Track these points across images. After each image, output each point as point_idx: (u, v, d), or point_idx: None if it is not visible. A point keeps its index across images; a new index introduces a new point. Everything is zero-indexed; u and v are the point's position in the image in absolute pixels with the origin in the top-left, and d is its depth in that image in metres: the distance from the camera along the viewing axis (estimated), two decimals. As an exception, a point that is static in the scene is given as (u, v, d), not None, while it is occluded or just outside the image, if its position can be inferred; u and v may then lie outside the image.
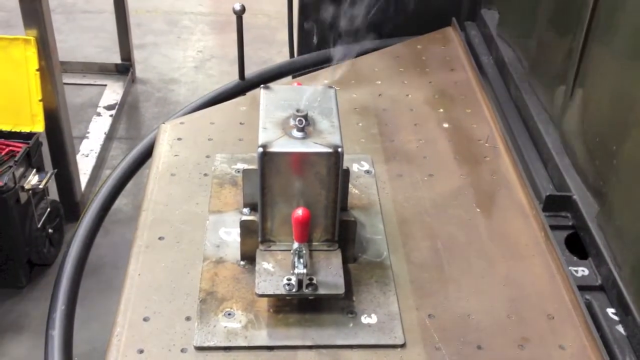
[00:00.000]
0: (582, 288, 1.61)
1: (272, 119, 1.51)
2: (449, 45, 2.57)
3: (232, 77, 2.58)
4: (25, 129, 3.16)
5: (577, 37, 1.90)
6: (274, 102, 1.56)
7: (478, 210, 1.82)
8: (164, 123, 2.13)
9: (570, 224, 1.83)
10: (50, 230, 3.28)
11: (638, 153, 1.58)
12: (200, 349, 1.43)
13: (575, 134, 1.90)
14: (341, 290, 1.46)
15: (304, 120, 1.46)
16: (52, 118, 3.26)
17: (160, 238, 1.69)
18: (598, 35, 1.80)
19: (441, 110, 2.21)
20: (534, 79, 2.25)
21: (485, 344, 1.47)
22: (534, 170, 2.00)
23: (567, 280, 1.60)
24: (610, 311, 1.59)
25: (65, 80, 3.55)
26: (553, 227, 1.76)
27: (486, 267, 1.66)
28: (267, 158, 1.44)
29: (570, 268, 1.66)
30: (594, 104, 1.82)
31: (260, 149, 1.43)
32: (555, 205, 1.85)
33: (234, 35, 2.30)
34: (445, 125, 2.15)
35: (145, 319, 1.49)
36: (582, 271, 1.69)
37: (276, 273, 1.48)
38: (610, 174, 1.69)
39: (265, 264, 1.50)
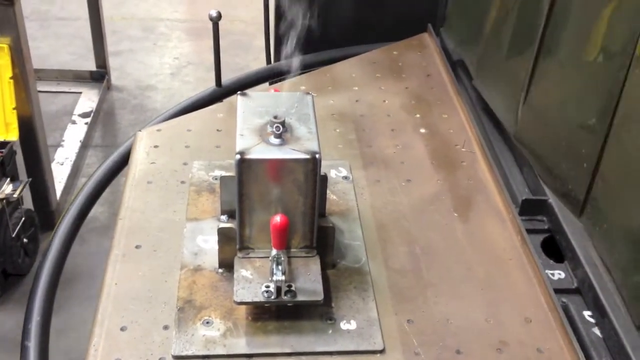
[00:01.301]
0: (559, 291, 1.63)
1: (250, 126, 1.50)
2: (425, 51, 2.58)
3: (208, 84, 2.58)
4: (-1, 137, 3.12)
5: (530, 46, 1.91)
6: (251, 109, 1.56)
7: (455, 215, 1.83)
8: (140, 130, 2.12)
9: (546, 227, 1.85)
10: (25, 240, 3.24)
11: (624, 157, 1.59)
12: (178, 357, 1.42)
13: (533, 140, 1.91)
14: (320, 297, 1.46)
15: (281, 127, 1.46)
16: (27, 126, 3.22)
17: (137, 246, 1.68)
18: (549, 42, 1.82)
19: (418, 115, 2.23)
20: (480, 85, 2.26)
21: (464, 349, 1.48)
22: (510, 174, 2.02)
23: (543, 283, 1.61)
24: (587, 314, 1.60)
25: (40, 88, 3.52)
26: (529, 231, 1.78)
27: (464, 271, 1.67)
28: (244, 165, 1.44)
29: (546, 271, 1.68)
30: (552, 111, 1.83)
31: (238, 156, 1.43)
32: (531, 209, 1.87)
33: (210, 42, 2.29)
34: (422, 130, 2.16)
35: (123, 329, 1.48)
36: (559, 274, 1.71)
37: (254, 280, 1.48)
38: (582, 177, 1.70)
39: (243, 272, 1.50)
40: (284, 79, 2.55)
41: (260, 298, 1.44)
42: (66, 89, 4.65)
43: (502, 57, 2.11)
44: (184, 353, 1.42)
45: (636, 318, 1.47)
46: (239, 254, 1.54)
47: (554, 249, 1.79)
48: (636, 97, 1.48)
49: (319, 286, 1.47)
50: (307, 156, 1.44)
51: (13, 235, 3.12)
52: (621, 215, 1.56)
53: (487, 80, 2.23)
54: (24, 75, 3.13)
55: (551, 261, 1.75)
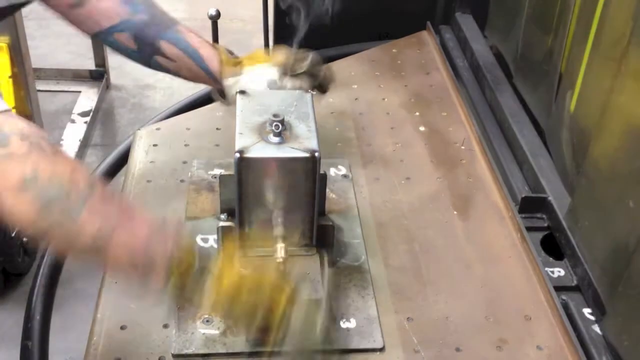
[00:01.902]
0: (558, 289, 1.63)
1: (249, 124, 1.50)
2: (424, 48, 2.58)
3: (207, 83, 2.57)
4: (-2, 136, 3.11)
5: (561, 39, 1.92)
6: (250, 107, 1.56)
7: (455, 212, 1.83)
8: (139, 129, 2.12)
9: (545, 225, 1.85)
10: (24, 239, 3.23)
11: (603, 154, 1.60)
12: (178, 356, 1.42)
13: (559, 135, 1.92)
14: (320, 295, 1.46)
15: (280, 125, 1.46)
16: (26, 125, 3.22)
17: (136, 245, 1.67)
18: (580, 38, 1.82)
19: (417, 113, 2.22)
20: (518, 79, 2.27)
21: (464, 346, 1.48)
22: (510, 172, 2.02)
23: (543, 281, 1.61)
24: (587, 311, 1.60)
25: (39, 87, 3.51)
26: (529, 229, 1.78)
27: (464, 269, 1.67)
28: (243, 164, 1.43)
29: (546, 269, 1.68)
30: (575, 105, 1.84)
31: (237, 155, 1.43)
32: (531, 206, 1.87)
33: (209, 40, 2.28)
34: (422, 128, 2.16)
35: (122, 327, 1.48)
36: (558, 272, 1.71)
37: (254, 279, 1.47)
38: (580, 175, 1.71)
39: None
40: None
41: (260, 296, 1.44)
42: (65, 88, 4.64)
43: (541, 55, 2.10)
44: (184, 352, 1.42)
45: (612, 312, 1.47)
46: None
47: (554, 246, 1.79)
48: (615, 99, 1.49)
49: (318, 284, 1.47)
50: (307, 154, 1.44)
51: (13, 235, 3.11)
52: (598, 214, 1.57)
53: (526, 78, 2.22)
54: (23, 74, 3.12)
55: (551, 259, 1.75)
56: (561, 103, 1.91)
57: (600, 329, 1.54)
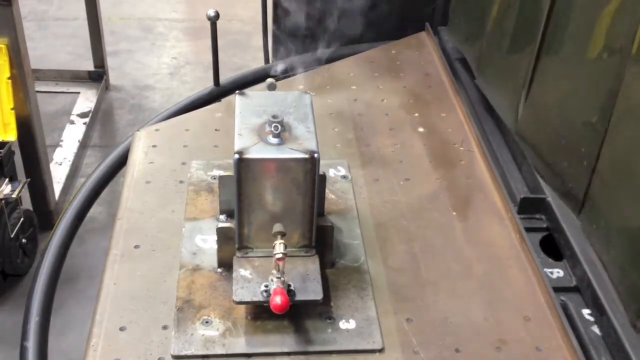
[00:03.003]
0: (558, 289, 1.63)
1: (248, 125, 1.50)
2: (423, 50, 2.58)
3: (206, 84, 2.57)
4: (-3, 137, 3.12)
5: (531, 44, 1.92)
6: (249, 108, 1.56)
7: (454, 213, 1.83)
8: (138, 130, 2.12)
9: (544, 226, 1.85)
10: (23, 240, 3.23)
11: (620, 155, 1.59)
12: (177, 357, 1.42)
13: (534, 138, 1.91)
14: (319, 296, 1.46)
15: (279, 126, 1.46)
16: (25, 126, 3.22)
17: (135, 246, 1.68)
18: (551, 40, 1.82)
19: (416, 114, 2.23)
20: (481, 80, 2.26)
21: (463, 347, 1.48)
22: (509, 173, 2.02)
23: (542, 282, 1.61)
24: (586, 312, 1.60)
25: (38, 88, 3.51)
26: (528, 230, 1.78)
27: (463, 270, 1.67)
28: (243, 165, 1.43)
29: (545, 270, 1.68)
30: (553, 108, 1.83)
31: (236, 156, 1.43)
32: (530, 207, 1.87)
33: (208, 42, 2.29)
34: (421, 129, 2.16)
35: (122, 329, 1.48)
36: (557, 273, 1.71)
37: (254, 280, 1.48)
38: (581, 175, 1.70)
39: (242, 271, 1.50)
40: (282, 78, 2.55)
41: (259, 298, 1.44)
42: (64, 89, 4.64)
43: (504, 55, 2.11)
44: (183, 353, 1.42)
45: (633, 316, 1.47)
46: (238, 254, 1.54)
47: (553, 247, 1.79)
48: (632, 96, 1.48)
49: (318, 285, 1.47)
50: (306, 155, 1.44)
51: (12, 236, 3.11)
52: (617, 213, 1.56)
53: (489, 78, 2.23)
54: (22, 76, 3.12)
55: (550, 259, 1.75)
56: (531, 104, 1.90)
57: (602, 331, 1.53)
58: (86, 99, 4.53)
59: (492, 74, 2.22)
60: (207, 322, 1.48)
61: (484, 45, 2.24)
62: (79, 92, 4.59)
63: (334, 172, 1.91)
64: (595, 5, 1.62)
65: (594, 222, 1.66)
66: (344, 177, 1.91)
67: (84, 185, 2.21)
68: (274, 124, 1.46)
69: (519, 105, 1.96)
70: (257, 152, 1.44)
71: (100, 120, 4.51)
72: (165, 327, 1.48)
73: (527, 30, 1.93)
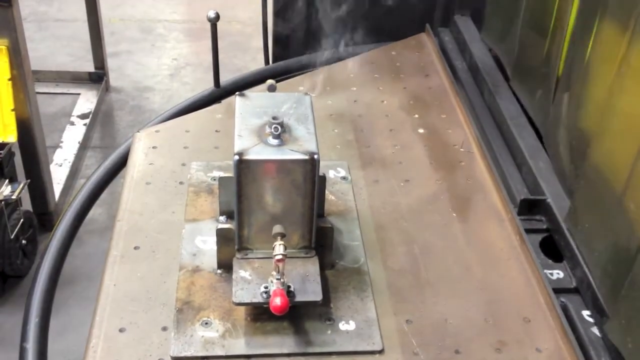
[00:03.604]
0: (558, 291, 1.63)
1: (248, 127, 1.50)
2: (423, 51, 2.58)
3: (207, 85, 2.57)
4: (-3, 139, 3.12)
5: (559, 41, 1.92)
6: (249, 110, 1.56)
7: (454, 215, 1.83)
8: (138, 131, 2.12)
9: (544, 227, 1.85)
10: (23, 242, 3.23)
11: (602, 156, 1.60)
12: (177, 359, 1.41)
13: (558, 137, 1.92)
14: (319, 297, 1.46)
15: (279, 128, 1.46)
16: (25, 128, 3.22)
17: (135, 248, 1.68)
18: (579, 40, 1.83)
19: (416, 115, 2.23)
20: (516, 82, 2.27)
21: (463, 348, 1.48)
22: (509, 174, 2.02)
23: (542, 283, 1.61)
24: (586, 313, 1.60)
25: (38, 90, 3.51)
26: (528, 231, 1.78)
27: (463, 271, 1.67)
28: (243, 166, 1.43)
29: (545, 271, 1.68)
30: (574, 108, 1.84)
31: (236, 157, 1.43)
32: (530, 208, 1.87)
33: (208, 43, 2.29)
34: (421, 130, 2.16)
35: (121, 330, 1.48)
36: (557, 274, 1.71)
37: (253, 281, 1.48)
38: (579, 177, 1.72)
39: (242, 272, 1.50)
40: (282, 80, 2.55)
41: (259, 299, 1.44)
42: (64, 91, 4.64)
43: (538, 58, 2.10)
44: (183, 354, 1.42)
45: (613, 315, 1.47)
46: (238, 255, 1.54)
47: (553, 248, 1.79)
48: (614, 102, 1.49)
49: (317, 287, 1.47)
50: (306, 157, 1.44)
51: (12, 237, 3.11)
52: (600, 216, 1.57)
53: (524, 81, 2.22)
54: (22, 77, 3.12)
55: (550, 261, 1.75)
56: (559, 106, 1.91)
57: (602, 331, 1.53)
58: (86, 100, 4.53)
59: (526, 77, 2.20)
60: (206, 323, 1.47)
61: (519, 48, 2.23)
62: (79, 94, 4.60)
63: (334, 173, 1.91)
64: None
65: (578, 224, 1.67)
66: (343, 178, 1.91)
67: (84, 187, 2.20)
68: (274, 125, 1.46)
69: (549, 108, 1.96)
70: (257, 154, 1.44)
71: (100, 121, 4.51)
72: (164, 329, 1.48)
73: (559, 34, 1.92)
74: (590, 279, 1.61)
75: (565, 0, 1.92)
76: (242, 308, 1.49)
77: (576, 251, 1.68)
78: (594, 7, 1.73)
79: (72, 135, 4.18)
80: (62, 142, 4.12)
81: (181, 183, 1.88)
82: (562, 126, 1.88)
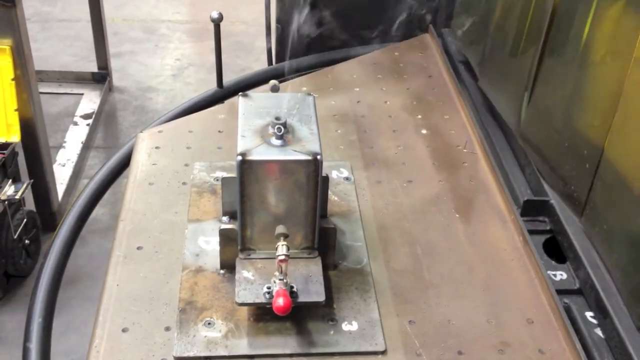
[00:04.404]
0: (561, 292, 1.62)
1: (251, 127, 1.50)
2: (426, 51, 2.58)
3: (210, 85, 2.58)
4: (1, 139, 3.12)
5: (534, 46, 1.91)
6: (252, 110, 1.56)
7: (457, 215, 1.83)
8: (141, 132, 2.12)
9: (548, 228, 1.84)
10: (26, 241, 3.24)
11: (621, 156, 1.59)
12: (180, 359, 1.42)
13: (537, 141, 1.91)
14: (322, 298, 1.46)
15: (282, 128, 1.46)
16: (28, 128, 3.23)
17: (138, 248, 1.68)
18: (554, 43, 1.82)
19: (419, 116, 2.22)
20: (485, 84, 2.26)
21: (466, 349, 1.48)
22: (512, 175, 2.02)
23: (545, 284, 1.61)
24: (589, 314, 1.60)
25: (41, 90, 3.52)
26: (531, 232, 1.77)
27: (466, 272, 1.67)
28: (246, 166, 1.43)
29: (548, 272, 1.68)
30: (555, 111, 1.83)
31: (239, 157, 1.43)
32: (533, 209, 1.87)
33: (211, 43, 2.29)
34: (424, 131, 2.16)
35: (124, 330, 1.48)
36: (561, 275, 1.71)
37: (256, 281, 1.48)
38: (584, 178, 1.70)
39: (245, 273, 1.50)
40: (285, 80, 2.55)
41: (261, 299, 1.44)
42: (68, 91, 4.65)
43: (506, 57, 2.11)
44: (186, 354, 1.42)
45: (637, 319, 1.47)
46: (241, 255, 1.54)
47: (556, 249, 1.79)
48: (634, 99, 1.48)
49: (320, 287, 1.47)
50: (309, 157, 1.44)
51: (15, 237, 3.12)
52: (619, 216, 1.56)
53: (492, 80, 2.23)
54: (25, 77, 3.13)
55: (553, 262, 1.75)
56: (534, 106, 1.90)
57: (605, 333, 1.53)
58: (89, 101, 4.54)
59: (494, 77, 2.22)
60: (209, 323, 1.48)
61: (487, 47, 2.24)
62: (82, 94, 4.61)
63: (337, 173, 1.91)
64: (597, 8, 1.61)
65: (596, 225, 1.66)
66: (346, 179, 1.91)
67: (87, 187, 2.21)
68: (277, 126, 1.46)
69: (522, 107, 1.96)
70: (260, 154, 1.44)
71: (104, 121, 4.52)
72: (167, 329, 1.48)
73: (530, 32, 1.93)
74: (594, 280, 1.60)
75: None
76: (245, 308, 1.49)
77: (580, 252, 1.68)
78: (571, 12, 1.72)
79: (75, 136, 4.19)
80: (65, 142, 4.13)
81: (184, 183, 1.88)
82: (542, 126, 1.87)
